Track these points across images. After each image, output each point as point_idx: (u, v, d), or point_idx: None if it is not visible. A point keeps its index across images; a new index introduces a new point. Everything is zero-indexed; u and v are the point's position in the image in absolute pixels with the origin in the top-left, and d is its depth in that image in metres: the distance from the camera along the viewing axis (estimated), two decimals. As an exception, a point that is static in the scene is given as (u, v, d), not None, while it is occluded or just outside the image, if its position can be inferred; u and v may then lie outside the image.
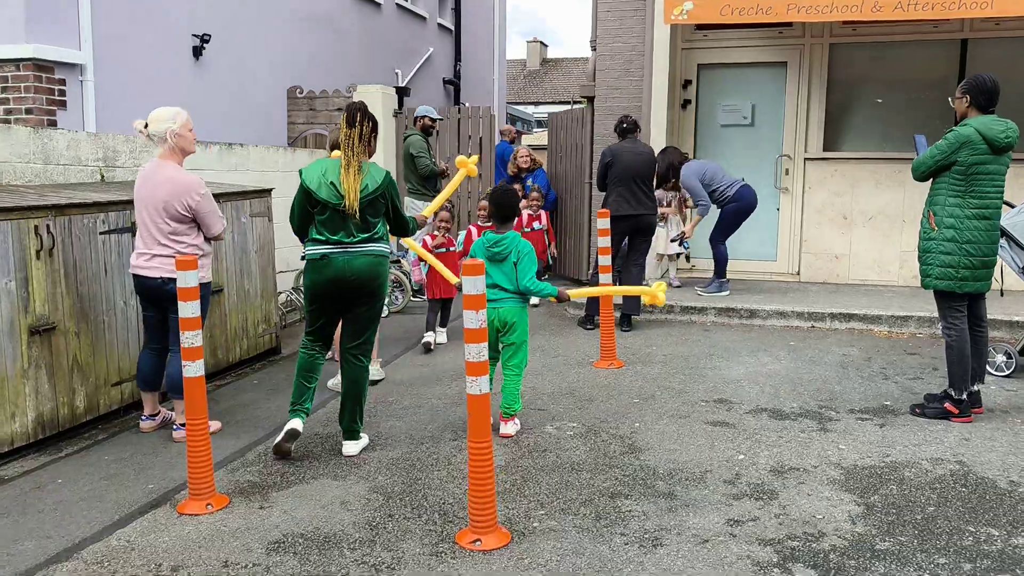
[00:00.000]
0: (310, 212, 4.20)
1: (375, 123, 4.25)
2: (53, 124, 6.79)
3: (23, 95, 6.62)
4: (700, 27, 8.88)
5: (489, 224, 6.16)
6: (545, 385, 5.55)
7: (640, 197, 6.92)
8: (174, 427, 4.59)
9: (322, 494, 3.79)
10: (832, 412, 4.93)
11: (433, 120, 8.36)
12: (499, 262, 4.56)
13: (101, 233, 4.79)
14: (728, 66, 9.02)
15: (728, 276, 8.08)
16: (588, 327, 7.16)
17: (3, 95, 6.68)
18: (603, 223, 5.99)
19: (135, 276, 4.49)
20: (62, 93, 6.88)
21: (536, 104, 41.36)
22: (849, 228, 8.66)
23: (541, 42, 46.05)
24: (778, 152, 8.89)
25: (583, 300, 7.25)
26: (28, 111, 6.64)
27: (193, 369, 3.62)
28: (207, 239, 4.58)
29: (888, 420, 4.78)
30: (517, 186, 9.84)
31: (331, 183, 4.11)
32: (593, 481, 3.90)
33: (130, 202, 4.90)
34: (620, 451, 4.30)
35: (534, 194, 8.34)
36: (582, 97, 9.73)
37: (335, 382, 5.24)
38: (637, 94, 8.92)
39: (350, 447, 4.34)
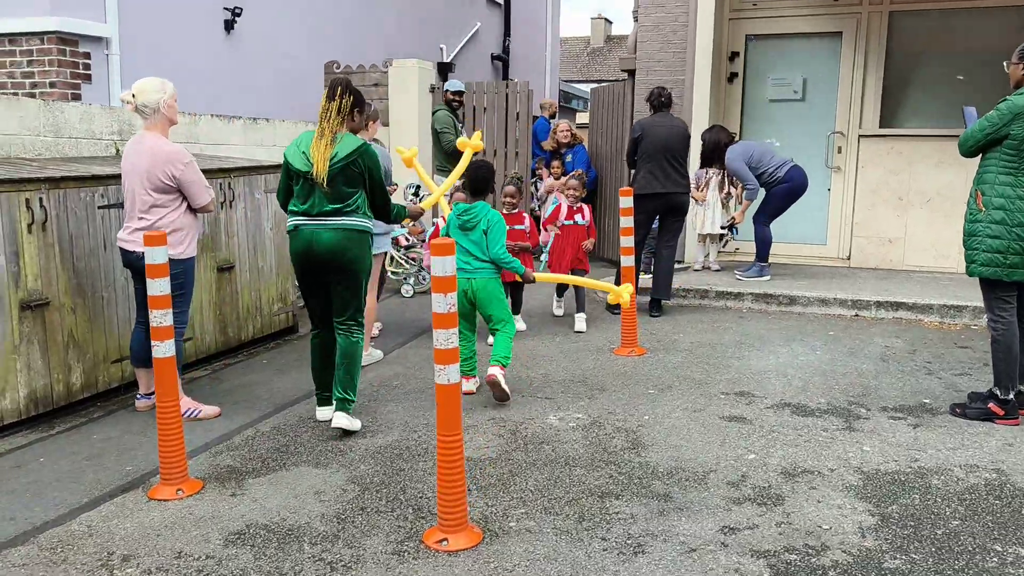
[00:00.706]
0: (290, 184, 4.17)
1: (358, 98, 4.22)
2: (77, 98, 6.78)
3: (47, 68, 6.62)
4: (749, -5, 8.39)
5: (516, 212, 5.91)
6: (558, 372, 5.28)
7: (671, 174, 6.55)
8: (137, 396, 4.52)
9: (298, 482, 3.62)
10: (862, 409, 4.54)
11: (456, 94, 8.09)
12: (468, 230, 4.73)
13: (100, 207, 4.70)
14: (778, 37, 8.51)
15: (772, 260, 7.64)
16: (615, 311, 6.84)
17: (28, 68, 6.69)
18: (625, 202, 5.67)
19: (120, 249, 4.40)
20: (87, 67, 6.86)
21: (599, 82, 40.66)
22: (905, 210, 8.10)
23: (606, 19, 45.12)
24: (830, 128, 8.37)
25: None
26: (52, 85, 6.64)
27: (162, 349, 3.48)
28: (194, 212, 4.44)
29: (924, 420, 4.37)
30: (556, 163, 9.56)
31: (303, 152, 4.10)
32: (585, 478, 3.63)
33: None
34: (622, 446, 4.02)
35: (572, 181, 6.65)
36: (622, 71, 9.33)
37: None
38: (680, 67, 8.50)
39: (340, 419, 4.17)
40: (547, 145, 9.75)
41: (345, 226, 4.10)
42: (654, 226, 6.91)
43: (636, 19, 8.95)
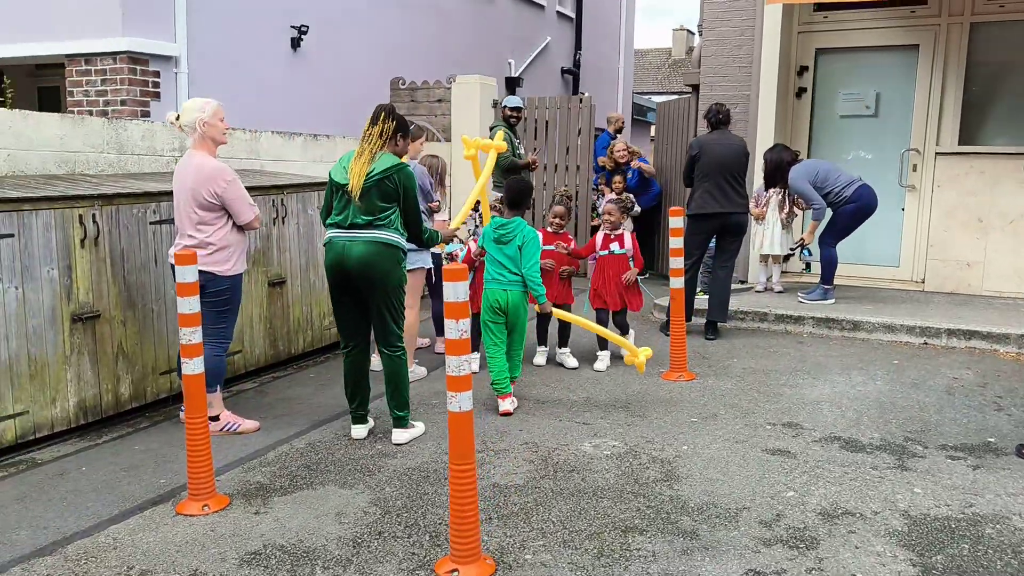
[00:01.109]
0: (332, 200, 4.32)
1: (400, 123, 4.38)
2: (146, 115, 7.03)
3: (118, 87, 6.89)
4: (820, 7, 8.11)
5: (563, 232, 5.80)
6: (600, 395, 5.17)
7: (729, 194, 6.36)
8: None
9: (323, 502, 3.62)
10: (919, 447, 4.28)
11: (514, 109, 8.07)
12: (504, 244, 4.90)
13: (152, 223, 4.84)
14: (850, 51, 8.19)
15: (842, 282, 7.34)
16: (667, 333, 6.66)
17: (102, 87, 6.98)
18: (675, 222, 5.52)
19: (171, 266, 4.51)
20: (156, 85, 7.11)
21: (679, 94, 40.17)
22: (985, 232, 7.66)
23: (688, 30, 44.59)
24: (905, 146, 7.99)
25: (667, 304, 6.75)
26: (123, 103, 6.91)
27: (191, 366, 3.53)
28: (240, 229, 4.52)
29: (986, 461, 4.08)
30: (618, 178, 9.41)
31: (344, 167, 4.27)
32: (611, 511, 3.52)
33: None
34: (655, 477, 3.88)
35: (608, 205, 5.96)
36: (687, 85, 9.15)
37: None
38: (745, 82, 8.29)
39: (398, 435, 4.36)
40: (604, 163, 9.58)
41: (376, 239, 4.16)
42: (711, 244, 6.72)
43: (701, 33, 8.78)
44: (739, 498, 3.64)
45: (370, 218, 4.17)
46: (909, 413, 4.81)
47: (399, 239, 4.25)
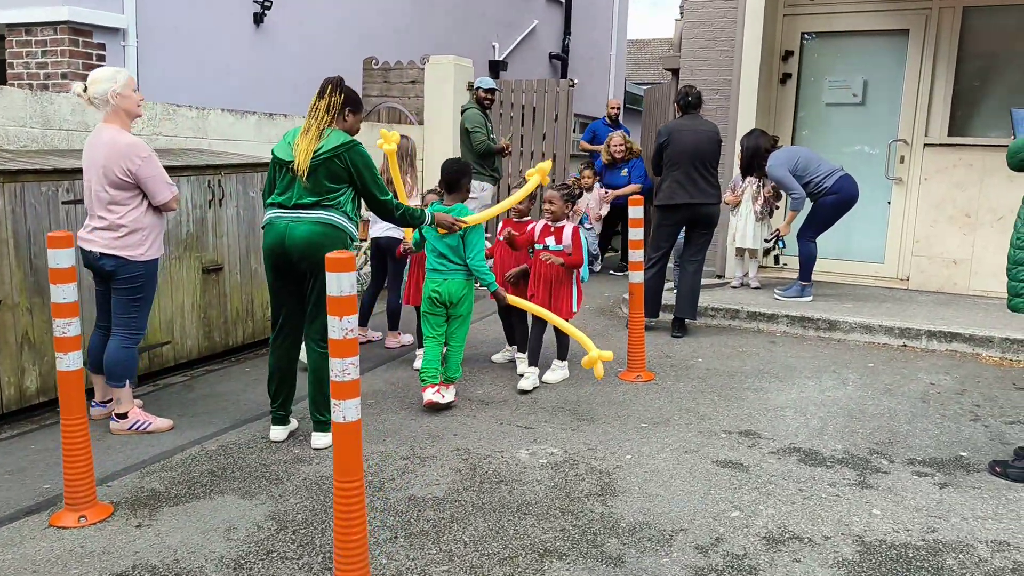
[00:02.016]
0: (275, 179, 4.00)
1: (349, 97, 4.01)
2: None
3: (59, 59, 6.51)
4: (806, -11, 7.71)
5: (560, 225, 5.12)
6: (549, 396, 4.81)
7: (699, 183, 5.98)
8: (111, 418, 4.22)
9: (215, 515, 3.27)
10: (884, 460, 3.92)
11: (488, 91, 7.68)
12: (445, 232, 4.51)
13: (64, 203, 4.48)
14: (838, 35, 7.80)
15: (821, 278, 6.98)
16: (676, 334, 6.27)
17: (42, 59, 6.59)
18: (635, 212, 5.15)
19: (80, 249, 4.15)
20: (101, 58, 6.74)
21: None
22: (973, 228, 7.29)
23: (687, 19, 44.02)
24: (892, 136, 7.61)
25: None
26: (63, 76, 6.53)
27: (66, 362, 3.17)
28: (156, 210, 4.16)
29: (955, 478, 3.73)
30: (587, 172, 8.98)
31: (288, 143, 3.93)
32: (533, 530, 3.17)
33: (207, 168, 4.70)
34: (589, 491, 3.53)
35: (550, 192, 5.04)
36: (666, 69, 8.75)
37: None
38: (728, 66, 7.90)
39: (318, 439, 4.01)
40: (603, 157, 9.17)
41: (322, 220, 3.83)
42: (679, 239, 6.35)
43: (682, 14, 8.37)
44: (677, 518, 3.29)
45: (317, 199, 3.83)
46: (878, 422, 4.46)
47: (347, 223, 3.91)
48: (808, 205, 6.79)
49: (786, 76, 7.96)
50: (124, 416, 4.18)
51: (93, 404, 4.42)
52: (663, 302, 6.40)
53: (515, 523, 3.23)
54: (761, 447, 4.07)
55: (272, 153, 3.99)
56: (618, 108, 10.37)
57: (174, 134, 6.19)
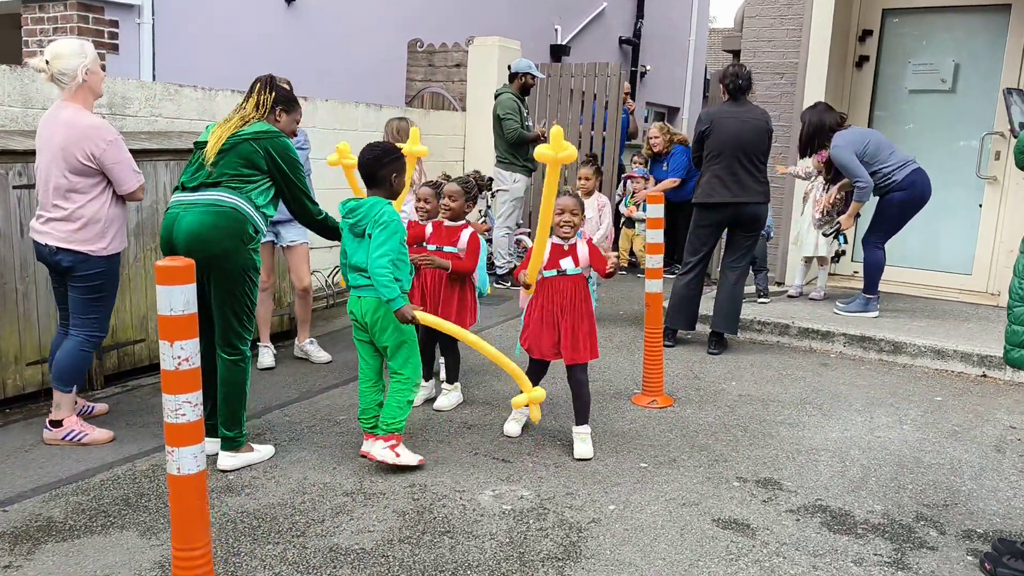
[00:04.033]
0: None
1: (281, 96, 3.66)
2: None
3: (69, 37, 6.21)
4: (890, -40, 6.76)
5: (456, 225, 4.31)
6: (543, 422, 4.17)
7: (743, 179, 5.21)
8: (46, 426, 3.82)
9: (100, 557, 2.80)
10: (933, 532, 3.14)
11: (532, 77, 7.03)
12: (358, 237, 3.48)
13: (16, 187, 4.11)
14: (925, 11, 6.82)
15: (895, 289, 6.10)
16: (667, 343, 5.58)
17: (53, 37, 6.34)
18: (654, 211, 4.44)
19: (33, 242, 3.79)
20: (113, 36, 6.44)
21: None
22: (1080, 238, 6.21)
23: (785, 6, 42.03)
24: (987, 128, 6.59)
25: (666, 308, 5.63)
26: (72, 54, 6.24)
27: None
28: (122, 199, 3.75)
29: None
30: (585, 171, 8.00)
31: (209, 130, 3.54)
32: (460, 605, 2.57)
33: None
34: (548, 553, 2.90)
35: (566, 200, 3.78)
36: (725, 51, 7.91)
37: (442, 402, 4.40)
38: (795, 48, 7.03)
39: (224, 459, 3.52)
40: (646, 153, 8.34)
41: (219, 204, 3.36)
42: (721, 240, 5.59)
43: (746, -11, 7.52)
44: (645, 599, 2.63)
45: (221, 179, 3.40)
46: (935, 476, 3.65)
47: (251, 211, 3.43)
48: (872, 202, 5.89)
49: (863, 59, 7.02)
50: (59, 424, 3.77)
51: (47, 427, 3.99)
52: (699, 313, 5.64)
53: (442, 593, 2.63)
54: (779, 502, 3.34)
55: (195, 144, 3.59)
56: (628, 97, 9.23)
57: (176, 115, 5.81)
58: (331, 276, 6.85)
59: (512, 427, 4.01)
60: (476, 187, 4.39)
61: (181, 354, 1.95)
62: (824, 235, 6.25)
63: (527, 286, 3.59)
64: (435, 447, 3.82)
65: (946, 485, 3.56)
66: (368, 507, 3.21)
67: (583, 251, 3.80)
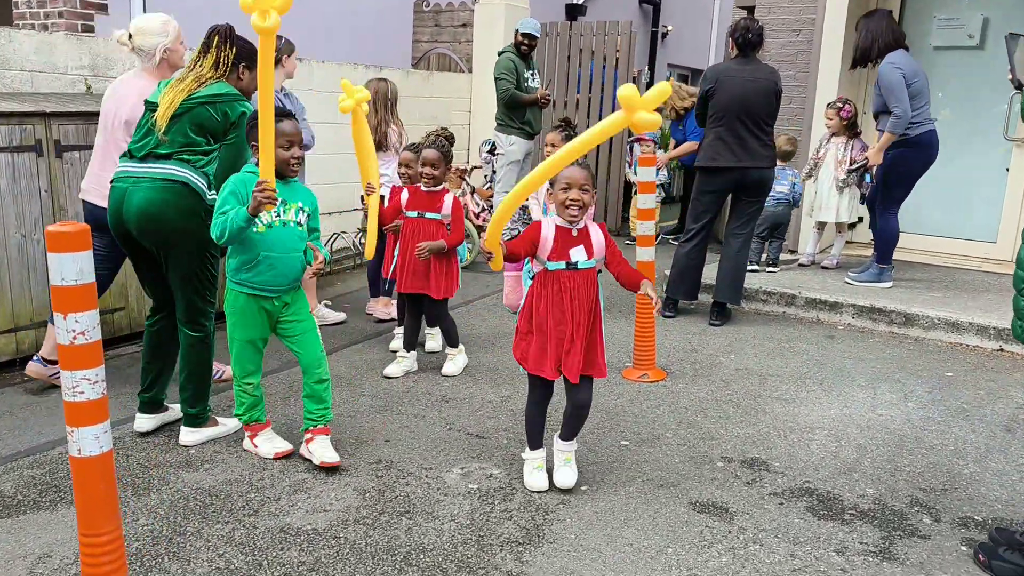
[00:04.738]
0: None
1: (244, 51, 3.34)
2: (90, 30, 6.21)
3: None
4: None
5: (437, 190, 4.16)
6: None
7: (748, 143, 4.93)
8: (35, 358, 3.97)
9: (43, 534, 2.69)
10: (927, 518, 2.93)
11: (527, 36, 6.76)
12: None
13: (-13, 151, 4.00)
14: (953, -38, 6.42)
15: (914, 258, 5.81)
16: (667, 314, 5.37)
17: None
18: (645, 174, 4.20)
19: (83, 202, 3.86)
20: (103, -5, 6.26)
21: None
22: (1113, 204, 5.86)
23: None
24: (1015, 88, 6.20)
25: (664, 279, 5.39)
26: (60, 15, 6.10)
27: None
28: None
29: (1022, 555, 2.70)
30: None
31: (162, 87, 3.30)
32: (406, 592, 2.43)
33: (34, 115, 4.16)
34: (509, 537, 2.74)
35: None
36: (738, 7, 7.55)
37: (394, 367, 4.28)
38: (811, 3, 6.66)
39: (186, 435, 3.40)
40: (667, 113, 8.02)
41: (170, 179, 3.12)
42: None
43: (763, -59, 7.13)
44: (605, 589, 2.46)
45: (173, 151, 3.16)
46: (936, 457, 3.42)
47: (205, 186, 3.19)
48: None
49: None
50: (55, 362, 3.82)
51: (34, 358, 3.97)
52: (702, 282, 5.41)
53: (389, 579, 2.49)
54: (763, 484, 3.15)
55: (145, 102, 3.34)
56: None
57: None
58: (358, 237, 6.68)
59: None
60: (448, 145, 4.20)
61: (76, 327, 1.80)
62: (848, 172, 5.84)
63: (489, 255, 2.77)
64: (409, 420, 3.68)
65: (947, 468, 3.34)
66: (328, 485, 3.07)
67: (597, 238, 2.98)
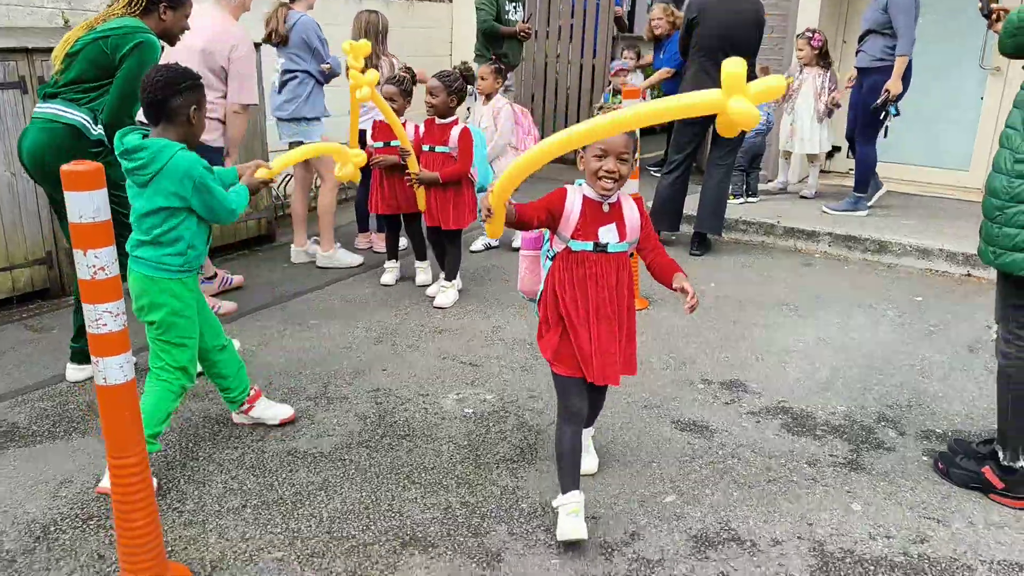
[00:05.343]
0: None
1: None
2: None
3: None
4: None
5: (446, 122, 4.29)
6: (515, 325, 4.16)
7: (730, 74, 4.98)
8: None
9: (62, 463, 2.83)
10: (892, 432, 3.15)
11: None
12: (139, 186, 2.56)
13: (-30, 89, 3.99)
14: None
15: (891, 187, 5.94)
16: (695, 252, 5.43)
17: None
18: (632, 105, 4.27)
19: None
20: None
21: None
22: (1082, 132, 6.00)
23: None
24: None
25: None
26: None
27: None
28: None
29: (978, 463, 2.93)
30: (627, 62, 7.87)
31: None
32: (410, 507, 2.60)
33: (16, 51, 4.13)
34: (505, 455, 2.92)
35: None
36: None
37: None
38: (796, -71, 6.62)
39: (73, 372, 3.46)
40: (646, 36, 8.02)
41: (54, 119, 3.08)
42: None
43: None
44: (594, 501, 2.65)
45: (57, 89, 3.11)
46: (903, 377, 3.63)
47: (89, 124, 3.11)
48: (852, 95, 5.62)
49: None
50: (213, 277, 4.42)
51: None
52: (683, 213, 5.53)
53: (394, 495, 2.66)
54: (741, 404, 3.34)
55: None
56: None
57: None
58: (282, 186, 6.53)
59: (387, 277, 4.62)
60: (461, 79, 4.28)
61: (96, 262, 1.90)
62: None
63: (488, 212, 2.27)
64: (404, 351, 3.82)
65: (912, 386, 3.55)
66: (330, 412, 3.23)
67: (632, 215, 2.46)
